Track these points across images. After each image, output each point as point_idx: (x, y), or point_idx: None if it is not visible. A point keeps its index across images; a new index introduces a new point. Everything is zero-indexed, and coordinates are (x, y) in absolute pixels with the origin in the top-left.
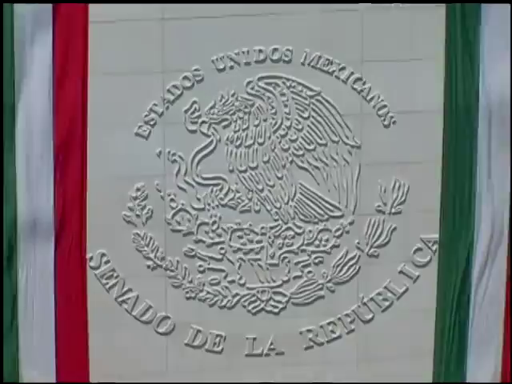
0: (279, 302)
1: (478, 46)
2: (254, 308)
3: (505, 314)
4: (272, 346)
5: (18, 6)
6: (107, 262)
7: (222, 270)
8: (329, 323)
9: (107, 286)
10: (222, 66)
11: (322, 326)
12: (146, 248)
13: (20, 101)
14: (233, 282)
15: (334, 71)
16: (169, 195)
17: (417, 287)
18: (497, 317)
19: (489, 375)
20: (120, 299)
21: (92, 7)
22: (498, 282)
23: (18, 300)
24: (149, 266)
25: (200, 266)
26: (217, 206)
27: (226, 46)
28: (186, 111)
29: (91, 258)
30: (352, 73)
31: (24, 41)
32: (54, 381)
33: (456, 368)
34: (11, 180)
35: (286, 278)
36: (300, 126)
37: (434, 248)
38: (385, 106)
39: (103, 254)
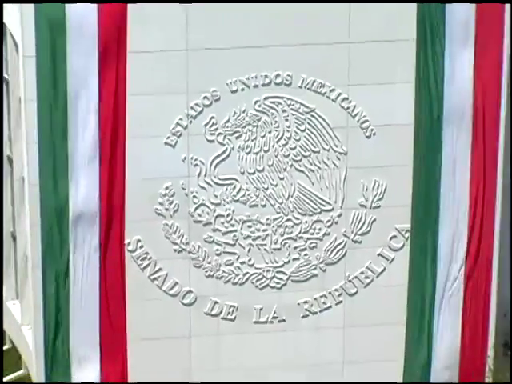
0: (281, 279)
1: (443, 73)
2: (260, 284)
3: (464, 290)
4: (275, 315)
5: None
6: (142, 246)
7: (235, 253)
8: (321, 296)
9: (142, 266)
10: (234, 88)
11: (315, 299)
12: (173, 235)
13: (73, 116)
14: (243, 262)
15: (325, 92)
16: (192, 193)
17: (392, 267)
18: (458, 291)
19: (450, 339)
20: (152, 277)
21: (131, 40)
22: (459, 263)
23: (69, 277)
24: (175, 250)
25: (217, 249)
26: (230, 201)
27: (237, 72)
28: (205, 125)
29: (129, 243)
30: (340, 94)
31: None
32: (98, 342)
33: (422, 333)
34: (61, 174)
35: (286, 260)
36: (298, 137)
37: (406, 236)
38: (367, 121)
39: (139, 240)
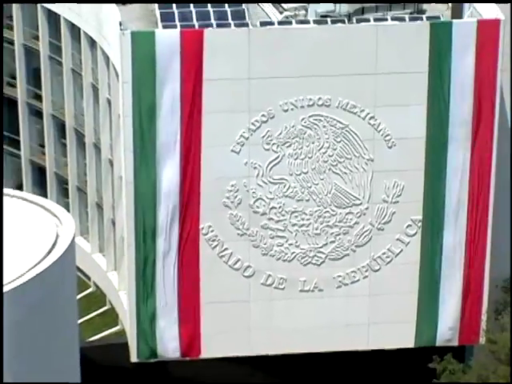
0: (320, 257)
1: (449, 99)
2: (304, 261)
3: (463, 267)
4: (315, 286)
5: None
6: (212, 230)
7: (284, 237)
8: (351, 271)
9: (212, 246)
10: (286, 108)
11: (347, 273)
12: (236, 222)
13: (160, 128)
14: (291, 244)
15: (356, 112)
16: (251, 189)
17: (408, 249)
18: (459, 268)
19: (453, 305)
20: (220, 254)
21: (205, 69)
22: (460, 246)
23: (156, 253)
24: (238, 234)
25: (270, 234)
26: (281, 196)
27: (288, 95)
28: (262, 136)
29: (203, 228)
30: (368, 113)
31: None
32: (177, 305)
33: (431, 300)
34: (151, 175)
35: (324, 243)
36: (335, 147)
37: (418, 225)
38: (389, 135)
39: (210, 226)
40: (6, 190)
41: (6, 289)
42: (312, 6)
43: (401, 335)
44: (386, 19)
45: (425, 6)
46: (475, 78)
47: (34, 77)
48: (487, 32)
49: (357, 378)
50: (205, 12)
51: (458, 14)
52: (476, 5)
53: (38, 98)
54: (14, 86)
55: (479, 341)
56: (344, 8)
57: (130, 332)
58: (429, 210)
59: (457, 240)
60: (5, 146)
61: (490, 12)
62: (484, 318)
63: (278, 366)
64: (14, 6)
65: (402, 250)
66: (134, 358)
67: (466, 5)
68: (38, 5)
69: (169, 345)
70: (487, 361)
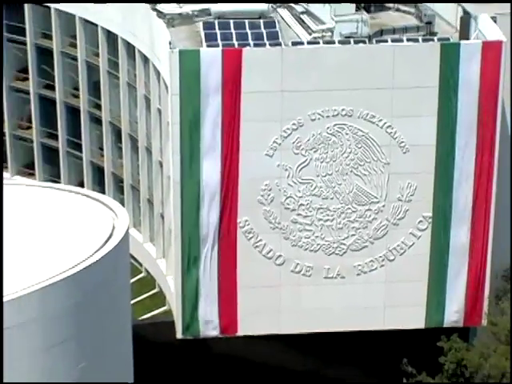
0: (342, 248)
1: (456, 112)
2: (328, 251)
3: (468, 259)
4: (338, 273)
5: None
6: (248, 224)
7: (311, 230)
8: (370, 261)
9: (248, 238)
10: (313, 118)
11: (366, 262)
12: (269, 217)
13: (204, 134)
14: (317, 236)
15: (375, 122)
16: (283, 188)
17: (419, 242)
18: (464, 260)
19: (459, 291)
20: (255, 245)
21: (243, 83)
22: (464, 240)
23: (199, 243)
24: (271, 227)
25: (299, 227)
26: (309, 195)
27: (315, 106)
28: (293, 142)
29: (240, 222)
30: (385, 123)
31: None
32: (217, 289)
33: (439, 286)
34: (195, 176)
35: (346, 236)
36: (356, 152)
37: (429, 221)
38: (403, 142)
39: (246, 220)
40: (70, 187)
41: (69, 273)
42: (337, 28)
43: (413, 317)
44: (402, 40)
45: (436, 28)
46: (479, 93)
47: (95, 89)
48: (490, 52)
49: (373, 355)
50: (243, 33)
51: (465, 35)
52: (481, 27)
53: (98, 107)
54: (77, 96)
55: (482, 323)
56: (365, 30)
57: (176, 312)
58: (438, 208)
59: (463, 234)
60: (68, 149)
61: (493, 34)
62: (486, 303)
63: (307, 343)
64: (78, 26)
65: (414, 243)
66: (179, 335)
67: (473, 27)
68: (99, 26)
69: (209, 323)
70: (488, 341)
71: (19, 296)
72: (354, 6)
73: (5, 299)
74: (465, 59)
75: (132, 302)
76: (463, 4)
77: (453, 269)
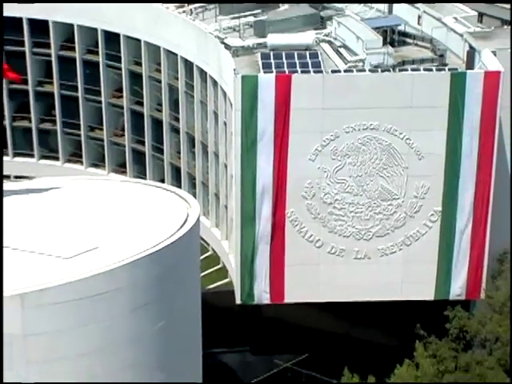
0: (369, 235)
1: (462, 127)
2: (358, 237)
3: (470, 244)
4: (365, 254)
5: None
6: (294, 214)
7: (344, 220)
8: (391, 245)
9: (293, 225)
10: (347, 130)
11: (388, 246)
12: (311, 209)
13: (260, 143)
14: (349, 225)
15: (397, 134)
16: (322, 187)
17: (431, 231)
18: (466, 244)
19: (462, 270)
20: (299, 231)
21: (292, 101)
22: (466, 229)
23: (255, 229)
24: (312, 217)
25: (334, 218)
26: (342, 192)
27: (349, 121)
28: (331, 150)
29: (287, 213)
30: (405, 135)
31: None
32: (269, 266)
33: (446, 266)
34: (252, 175)
35: (372, 225)
36: (381, 158)
37: (439, 214)
38: (419, 151)
39: (293, 211)
40: (154, 183)
41: (153, 250)
42: (367, 59)
43: (424, 291)
44: (419, 69)
45: (447, 60)
46: (481, 112)
47: (174, 105)
48: (490, 80)
49: (392, 320)
50: (292, 62)
51: (470, 66)
52: (483, 59)
53: (177, 119)
54: (160, 111)
55: (480, 297)
56: (390, 61)
57: (236, 283)
58: (446, 204)
59: (466, 225)
60: (153, 153)
61: (493, 65)
62: (484, 281)
63: (338, 309)
64: (162, 55)
65: (426, 232)
66: (238, 301)
67: (477, 59)
68: (178, 55)
69: (262, 293)
70: (485, 311)
71: (114, 267)
72: (381, 40)
73: (103, 270)
74: (470, 85)
75: (201, 274)
76: (469, 41)
77: (457, 252)
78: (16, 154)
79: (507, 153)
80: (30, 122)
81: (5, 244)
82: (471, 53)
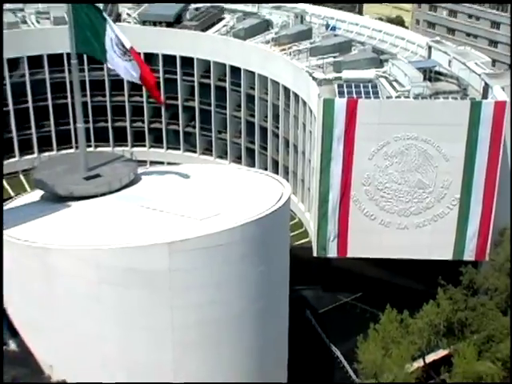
0: (408, 213)
1: (477, 138)
2: (400, 214)
3: (479, 219)
4: (404, 226)
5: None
6: (356, 196)
7: (391, 201)
8: (424, 220)
9: (355, 204)
10: (395, 139)
11: (421, 221)
12: (368, 193)
13: (335, 154)
14: (394, 205)
15: (430, 143)
16: (376, 178)
17: (452, 212)
18: (477, 221)
19: (473, 237)
20: (359, 208)
21: (358, 118)
22: (478, 209)
23: (328, 205)
24: (368, 198)
25: (384, 199)
26: (390, 182)
27: (397, 132)
28: (383, 152)
29: (352, 196)
30: (436, 144)
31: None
32: (337, 231)
33: (462, 235)
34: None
35: (410, 206)
36: (418, 159)
37: (458, 199)
38: (445, 154)
39: (355, 194)
40: (260, 171)
41: (257, 217)
42: (412, 90)
43: (446, 252)
44: (448, 98)
45: (469, 92)
46: (491, 129)
47: (276, 117)
48: (499, 106)
49: (422, 273)
50: (359, 91)
51: (485, 97)
52: (494, 92)
53: (277, 127)
54: (266, 121)
55: (486, 258)
56: (427, 91)
57: (313, 241)
58: (463, 193)
59: (477, 208)
60: (260, 150)
61: (501, 97)
62: (489, 247)
63: (384, 263)
64: (269, 84)
65: (448, 212)
66: (314, 254)
67: (490, 92)
68: (280, 84)
69: (332, 248)
70: (489, 269)
71: (231, 227)
72: (422, 77)
73: (223, 228)
74: (484, 110)
75: (290, 234)
76: (485, 79)
77: (470, 227)
78: (168, 148)
79: (508, 158)
80: (179, 126)
81: (158, 207)
82: (486, 88)
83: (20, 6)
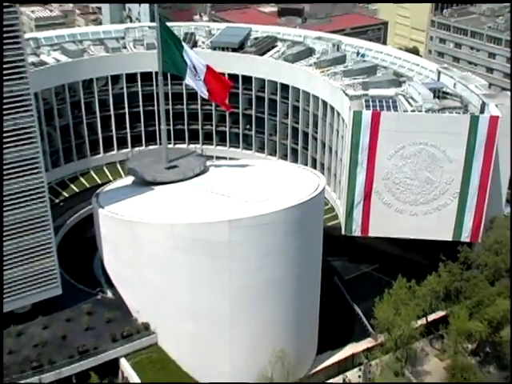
0: (418, 202)
1: (475, 144)
2: (411, 203)
3: (475, 207)
4: (415, 213)
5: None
6: (377, 188)
7: (405, 193)
8: (431, 208)
9: (377, 194)
10: (409, 144)
11: (428, 210)
12: (387, 186)
13: (360, 159)
14: (406, 196)
15: (437, 147)
16: (393, 174)
17: (453, 203)
18: (473, 211)
19: (469, 221)
20: (379, 198)
21: (381, 125)
22: (473, 203)
23: (354, 192)
24: (387, 190)
25: (399, 191)
26: (405, 178)
27: (411, 139)
28: (399, 154)
29: (374, 187)
30: (442, 148)
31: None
32: (363, 211)
33: (461, 219)
34: (354, 176)
35: (420, 197)
36: (428, 160)
37: (458, 193)
38: (449, 157)
39: (376, 186)
40: (302, 166)
41: (298, 202)
42: (423, 105)
43: (447, 234)
44: (452, 113)
45: (469, 108)
46: (486, 137)
47: (315, 124)
48: (493, 120)
49: (428, 249)
50: (382, 105)
51: (482, 112)
52: (490, 109)
53: (316, 132)
54: (307, 127)
55: (479, 240)
56: (436, 107)
57: (342, 223)
58: (462, 188)
59: (473, 200)
60: (302, 150)
61: (495, 112)
62: (481, 232)
63: (399, 242)
64: (311, 98)
65: (450, 203)
66: (343, 233)
67: (486, 109)
68: (320, 98)
69: (357, 228)
70: (481, 249)
71: (277, 209)
72: (432, 95)
73: (271, 210)
74: (481, 123)
75: (323, 217)
76: (482, 99)
77: (467, 216)
78: (231, 146)
79: (499, 160)
80: (239, 129)
81: (221, 192)
82: (483, 105)
83: (121, 34)
